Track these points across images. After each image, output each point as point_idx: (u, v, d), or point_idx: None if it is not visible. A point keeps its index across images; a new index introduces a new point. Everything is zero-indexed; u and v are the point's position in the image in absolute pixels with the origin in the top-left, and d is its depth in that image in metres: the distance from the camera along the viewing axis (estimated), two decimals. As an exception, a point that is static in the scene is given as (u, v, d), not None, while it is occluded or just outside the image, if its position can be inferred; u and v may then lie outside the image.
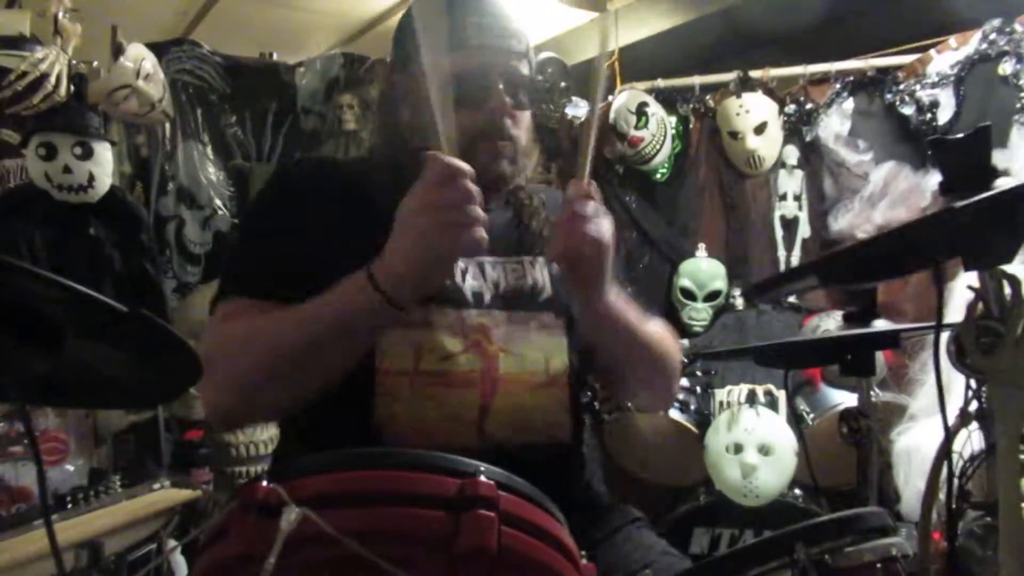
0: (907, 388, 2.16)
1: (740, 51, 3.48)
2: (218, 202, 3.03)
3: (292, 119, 3.21)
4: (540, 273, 1.22)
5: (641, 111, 3.06)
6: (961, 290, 0.99)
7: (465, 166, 0.99)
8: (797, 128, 3.06)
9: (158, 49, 2.84)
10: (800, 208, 3.08)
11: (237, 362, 1.05)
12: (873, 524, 0.89)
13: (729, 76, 3.11)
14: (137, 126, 2.85)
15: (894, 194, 2.79)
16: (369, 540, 0.62)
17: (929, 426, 1.93)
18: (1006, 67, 2.65)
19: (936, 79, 2.79)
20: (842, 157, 2.95)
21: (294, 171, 1.32)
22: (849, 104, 2.97)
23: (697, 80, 3.20)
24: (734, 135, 3.07)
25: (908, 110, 2.84)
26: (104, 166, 2.51)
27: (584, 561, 0.74)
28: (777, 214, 3.10)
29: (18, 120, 2.52)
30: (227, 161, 3.11)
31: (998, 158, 2.28)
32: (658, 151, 3.11)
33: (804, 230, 3.08)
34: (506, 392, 1.11)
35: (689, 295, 3.04)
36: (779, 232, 3.10)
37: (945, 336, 0.96)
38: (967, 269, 0.94)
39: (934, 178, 2.55)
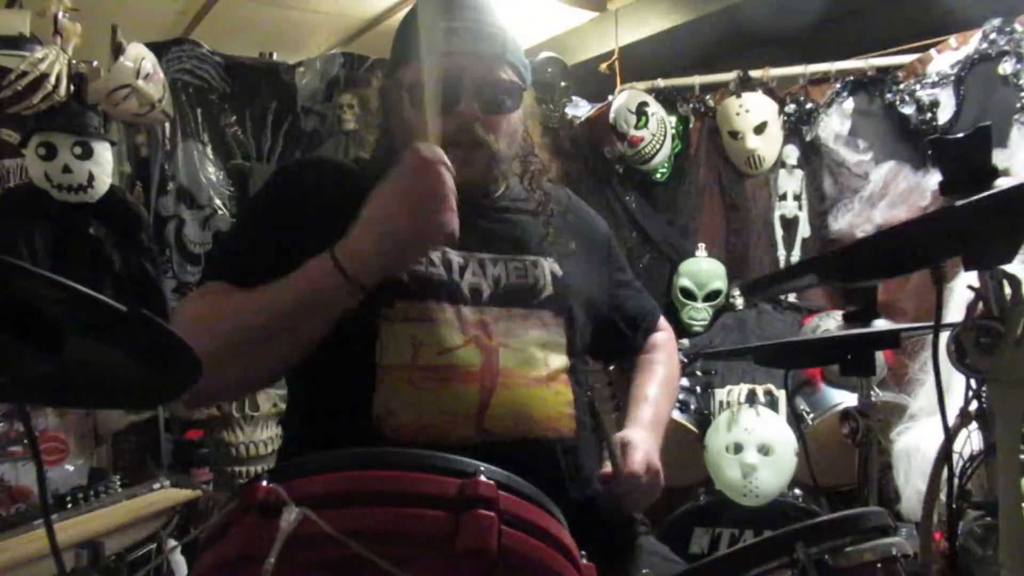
0: (907, 388, 2.16)
1: (740, 51, 3.48)
2: (218, 202, 3.03)
3: (292, 119, 3.21)
4: (541, 272, 1.22)
5: (641, 111, 3.06)
6: (961, 290, 0.99)
7: (442, 156, 1.02)
8: (797, 128, 3.06)
9: (158, 49, 2.84)
10: (800, 208, 3.08)
11: (201, 338, 1.04)
12: (873, 524, 0.89)
13: (729, 76, 3.11)
14: (137, 126, 2.85)
15: (894, 194, 2.79)
16: (369, 540, 0.62)
17: (929, 426, 1.93)
18: (1006, 67, 2.65)
19: (936, 79, 2.79)
20: (842, 157, 2.95)
21: (292, 170, 1.33)
22: (849, 104, 2.97)
23: (697, 80, 3.20)
24: (734, 135, 3.07)
25: (908, 110, 2.84)
26: (104, 166, 2.51)
27: (584, 561, 0.74)
28: (777, 214, 3.10)
29: (18, 120, 2.52)
30: (227, 161, 3.11)
31: (998, 158, 2.27)
32: (658, 151, 3.11)
33: (804, 230, 3.08)
34: (505, 387, 1.12)
35: (689, 295, 3.04)
36: (779, 232, 3.10)
37: (945, 336, 0.96)
38: (967, 269, 0.94)
39: (934, 178, 2.55)
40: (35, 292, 0.67)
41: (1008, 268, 0.93)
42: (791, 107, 3.06)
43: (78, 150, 2.45)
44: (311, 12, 3.77)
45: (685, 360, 2.70)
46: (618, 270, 1.43)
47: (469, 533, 0.64)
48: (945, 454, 0.97)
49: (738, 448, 2.38)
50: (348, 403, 1.09)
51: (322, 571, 0.64)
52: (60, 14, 2.55)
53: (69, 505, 1.84)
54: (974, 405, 0.98)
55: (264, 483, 0.66)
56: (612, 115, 3.06)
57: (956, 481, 0.98)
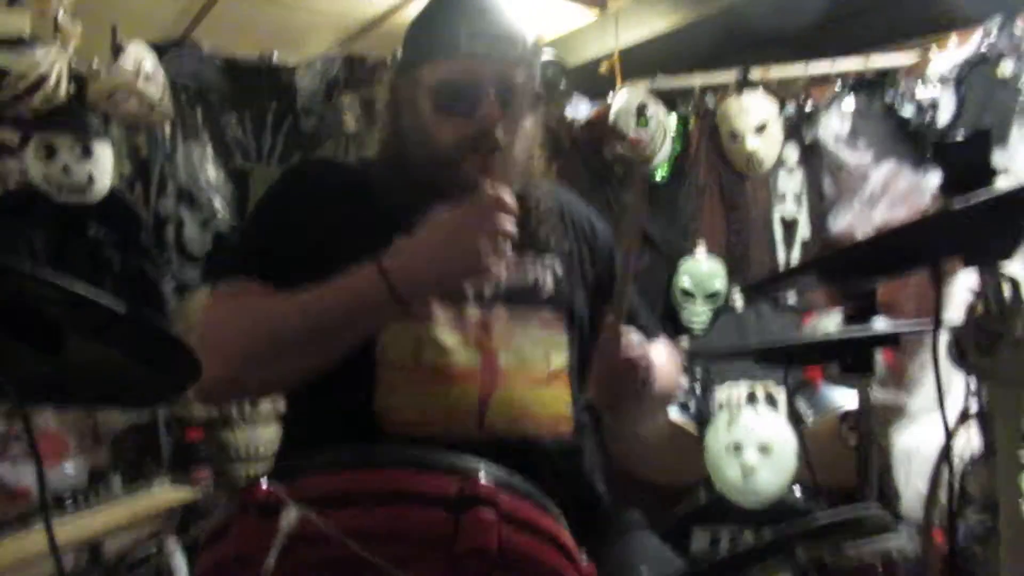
0: (907, 388, 2.16)
1: (740, 51, 3.47)
2: (218, 203, 3.03)
3: (292, 119, 3.21)
4: (542, 270, 1.22)
5: (641, 111, 3.06)
6: (961, 290, 0.99)
7: (512, 204, 1.03)
8: (797, 128, 3.06)
9: (158, 50, 2.84)
10: (800, 208, 3.08)
11: (237, 337, 1.07)
12: (873, 524, 0.89)
13: (729, 76, 3.11)
14: (137, 127, 2.85)
15: (894, 194, 2.79)
16: (369, 540, 0.62)
17: (929, 426, 1.93)
18: (1006, 67, 2.65)
19: (936, 79, 2.79)
20: (842, 157, 2.95)
21: (302, 170, 1.34)
22: (849, 104, 2.97)
23: (697, 80, 3.20)
24: (734, 135, 3.06)
25: (908, 110, 2.84)
26: (104, 167, 2.51)
27: (584, 561, 0.74)
28: (777, 214, 3.10)
29: (18, 120, 2.52)
30: (227, 162, 3.11)
31: (998, 158, 2.28)
32: (658, 151, 3.11)
33: (804, 230, 3.08)
34: (506, 387, 1.12)
35: (689, 295, 3.04)
36: (779, 232, 3.10)
37: (945, 336, 0.96)
38: (967, 268, 0.94)
39: (934, 178, 2.55)
40: (35, 292, 0.67)
41: (1008, 268, 0.93)
42: (791, 107, 3.06)
43: (78, 150, 2.45)
44: (311, 12, 3.76)
45: (683, 362, 2.71)
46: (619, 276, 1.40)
47: (469, 533, 0.64)
48: (945, 454, 0.97)
49: (738, 448, 2.38)
50: (348, 400, 1.10)
51: (322, 571, 0.64)
52: (60, 14, 2.55)
53: (69, 505, 1.84)
54: (974, 405, 0.98)
55: (264, 483, 0.66)
56: (612, 115, 3.06)
57: (956, 481, 0.98)
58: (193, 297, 2.85)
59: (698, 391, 2.69)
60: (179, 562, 1.95)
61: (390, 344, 1.10)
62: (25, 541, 1.62)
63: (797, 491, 2.45)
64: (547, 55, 3.29)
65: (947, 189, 0.99)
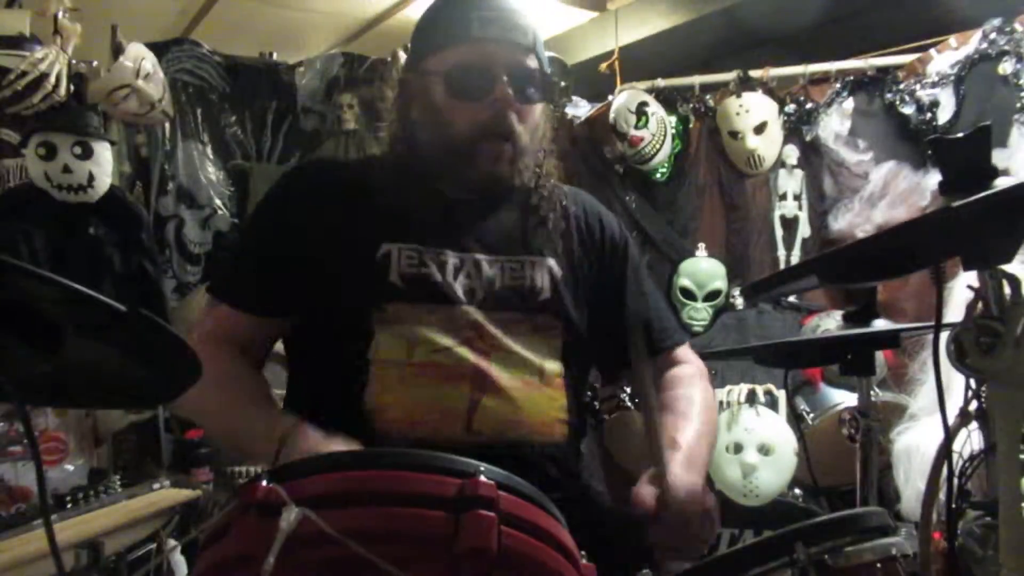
0: (907, 388, 2.16)
1: (740, 51, 3.48)
2: (218, 202, 3.03)
3: (292, 119, 3.22)
4: (540, 274, 1.21)
5: (641, 111, 3.06)
6: (961, 289, 0.99)
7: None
8: (797, 128, 3.06)
9: (158, 49, 2.84)
10: (800, 208, 3.08)
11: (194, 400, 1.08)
12: (873, 524, 0.89)
13: (729, 76, 3.11)
14: (137, 126, 2.85)
15: (894, 194, 2.79)
16: (369, 540, 0.62)
17: (929, 426, 1.93)
18: (1006, 67, 2.65)
19: (936, 79, 2.79)
20: (842, 157, 2.95)
21: (302, 172, 1.34)
22: (849, 104, 2.97)
23: (697, 80, 3.20)
24: (734, 135, 3.06)
25: (908, 110, 2.84)
26: (104, 166, 2.51)
27: (584, 561, 0.74)
28: (777, 214, 3.10)
29: (18, 120, 2.52)
30: (227, 161, 3.11)
31: (998, 158, 2.27)
32: (658, 151, 3.11)
33: (804, 230, 3.08)
34: (497, 390, 1.11)
35: (689, 295, 3.04)
36: (779, 232, 3.10)
37: (945, 336, 0.96)
38: (967, 269, 0.94)
39: (934, 178, 2.55)
40: (35, 292, 0.67)
41: (1008, 268, 0.93)
42: (791, 107, 3.06)
43: (78, 150, 2.45)
44: (311, 12, 3.77)
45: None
46: (635, 278, 1.34)
47: (469, 533, 0.64)
48: (945, 454, 0.97)
49: (738, 448, 2.38)
50: (341, 398, 1.10)
51: (322, 571, 0.64)
52: (60, 14, 2.55)
53: (69, 505, 1.84)
54: (974, 405, 0.98)
55: (264, 483, 0.66)
56: (612, 115, 3.06)
57: (956, 481, 0.98)
58: (193, 296, 2.85)
59: (698, 391, 2.68)
60: (179, 562, 1.95)
61: (384, 343, 1.10)
62: (25, 541, 1.61)
63: (797, 491, 2.45)
64: (547, 54, 3.30)
65: (946, 186, 0.98)
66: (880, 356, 2.02)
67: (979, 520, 0.98)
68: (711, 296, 3.03)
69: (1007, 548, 0.87)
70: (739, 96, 3.05)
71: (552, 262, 1.23)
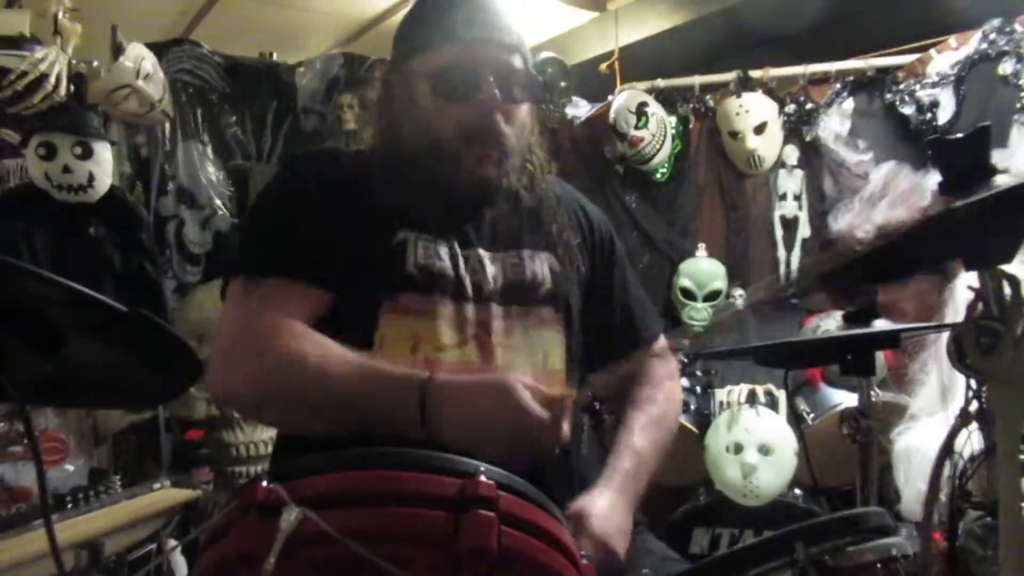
0: (907, 388, 2.16)
1: (740, 51, 3.47)
2: (218, 202, 3.03)
3: (292, 119, 3.22)
4: (540, 267, 1.21)
5: (641, 111, 3.06)
6: (962, 290, 0.99)
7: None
8: (797, 128, 3.06)
9: (158, 49, 2.84)
10: (800, 208, 3.08)
11: (272, 381, 1.03)
12: (873, 524, 0.89)
13: (729, 76, 3.11)
14: (137, 126, 2.85)
15: (894, 194, 2.79)
16: (369, 540, 0.62)
17: (929, 426, 1.93)
18: (1006, 67, 2.65)
19: (936, 79, 2.79)
20: (842, 157, 2.95)
21: (310, 159, 1.31)
22: (849, 104, 2.97)
23: (697, 80, 3.20)
24: (734, 135, 3.06)
25: (908, 110, 2.84)
26: (104, 166, 2.51)
27: (584, 561, 0.74)
28: (777, 214, 3.10)
29: (18, 120, 2.52)
30: (227, 161, 3.11)
31: (998, 158, 2.27)
32: (658, 151, 3.11)
33: (804, 230, 3.08)
34: None
35: (689, 295, 3.04)
36: (779, 232, 3.10)
37: (945, 336, 0.96)
38: (968, 269, 0.94)
39: (934, 178, 2.54)
40: (35, 292, 0.67)
41: (1008, 268, 0.93)
42: (791, 107, 3.06)
43: (78, 150, 2.45)
44: (311, 12, 3.77)
45: (685, 360, 2.70)
46: (621, 273, 1.36)
47: (469, 533, 0.64)
48: (945, 454, 0.97)
49: (738, 448, 2.38)
50: None
51: (322, 571, 0.64)
52: (60, 14, 2.55)
53: (69, 505, 1.84)
54: (974, 405, 0.98)
55: (264, 483, 0.66)
56: (612, 115, 3.06)
57: (956, 481, 0.98)
58: (193, 296, 2.86)
59: (698, 391, 2.69)
60: (179, 562, 1.95)
61: (387, 339, 1.09)
62: (25, 541, 1.62)
63: (797, 491, 2.46)
64: (547, 55, 3.30)
65: (946, 187, 0.98)
66: (880, 356, 2.02)
67: (979, 520, 0.98)
68: (711, 296, 3.03)
69: (1007, 548, 0.87)
70: (739, 96, 3.05)
71: (549, 256, 1.23)
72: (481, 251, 1.18)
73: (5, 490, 2.17)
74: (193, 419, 2.66)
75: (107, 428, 2.50)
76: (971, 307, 0.94)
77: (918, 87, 2.83)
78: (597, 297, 1.30)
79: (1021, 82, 2.62)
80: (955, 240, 0.93)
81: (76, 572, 1.26)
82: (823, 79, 3.05)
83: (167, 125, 2.91)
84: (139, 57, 2.62)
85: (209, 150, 3.06)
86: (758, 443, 2.37)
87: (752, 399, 2.48)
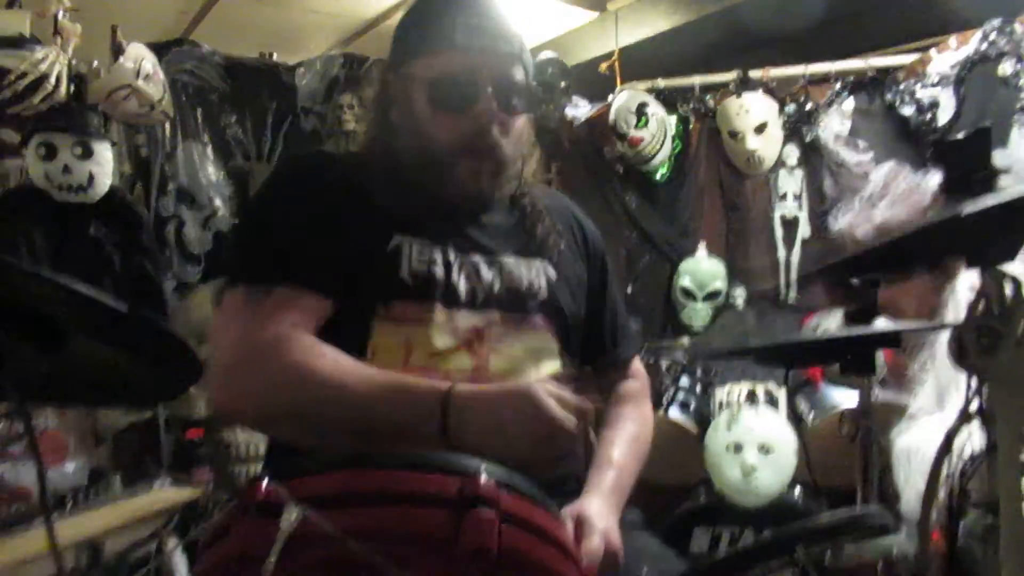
0: (907, 388, 2.16)
1: (740, 51, 3.47)
2: (218, 202, 3.03)
3: (292, 119, 3.22)
4: (535, 274, 1.21)
5: (641, 111, 3.06)
6: (963, 289, 0.99)
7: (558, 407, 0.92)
8: (797, 128, 3.06)
9: (158, 49, 2.84)
10: (800, 208, 3.09)
11: (288, 397, 1.01)
12: (873, 524, 0.89)
13: (729, 76, 3.11)
14: (137, 126, 2.85)
15: (894, 194, 2.79)
16: (369, 540, 0.62)
17: (929, 426, 1.93)
18: (1006, 67, 2.65)
19: (936, 79, 2.79)
20: (842, 157, 2.95)
21: (305, 161, 1.30)
22: (849, 104, 2.97)
23: (697, 80, 3.20)
24: (734, 135, 3.07)
25: (908, 110, 2.84)
26: (104, 166, 2.51)
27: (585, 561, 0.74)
28: (777, 214, 3.10)
29: (18, 120, 2.52)
30: (227, 161, 3.11)
31: (998, 158, 2.27)
32: (658, 151, 3.11)
33: (804, 230, 3.08)
34: None
35: (689, 295, 3.04)
36: (779, 232, 3.10)
37: (945, 336, 0.96)
38: (968, 268, 0.94)
39: (934, 178, 2.55)
40: (36, 291, 0.67)
41: (1008, 268, 0.93)
42: (791, 107, 3.06)
43: (78, 150, 2.45)
44: (311, 12, 3.77)
45: (683, 362, 2.71)
46: (611, 290, 1.36)
47: (470, 533, 0.64)
48: (945, 454, 0.97)
49: (738, 448, 2.38)
50: None
51: (322, 571, 0.64)
52: (60, 14, 2.55)
53: (69, 505, 1.84)
54: (974, 405, 0.98)
55: (264, 483, 0.66)
56: (612, 115, 3.06)
57: (956, 481, 0.98)
58: (193, 296, 2.86)
59: (698, 391, 2.68)
60: (179, 562, 1.95)
61: (380, 346, 1.08)
62: (25, 541, 1.62)
63: (797, 491, 2.45)
64: (547, 55, 3.30)
65: (948, 187, 0.98)
66: (880, 356, 2.02)
67: (979, 520, 0.98)
68: (711, 296, 3.03)
69: (1007, 548, 0.87)
70: (739, 96, 3.05)
71: (544, 263, 1.23)
72: (476, 257, 1.17)
73: (5, 490, 2.17)
74: (193, 419, 2.66)
75: (107, 428, 2.50)
76: (971, 307, 0.94)
77: (918, 87, 2.83)
78: (589, 308, 1.30)
79: (1021, 82, 2.62)
80: (956, 239, 0.93)
81: (76, 572, 1.26)
82: (823, 79, 3.05)
83: (167, 125, 2.91)
84: (139, 57, 2.62)
85: (209, 150, 3.06)
86: (758, 443, 2.37)
87: (752, 398, 2.48)
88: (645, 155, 3.10)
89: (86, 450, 2.40)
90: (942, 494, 0.99)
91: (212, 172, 3.05)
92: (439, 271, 1.12)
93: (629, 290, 3.18)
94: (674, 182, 3.24)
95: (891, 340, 1.43)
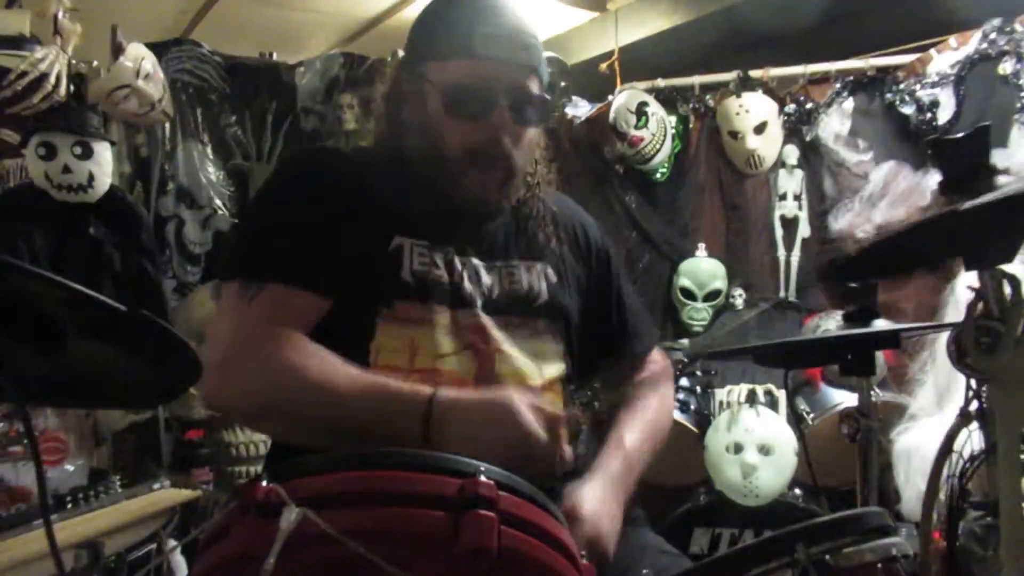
0: (907, 388, 2.16)
1: (740, 51, 3.48)
2: (218, 202, 3.03)
3: (292, 119, 3.21)
4: (536, 278, 1.21)
5: (641, 111, 3.06)
6: (963, 289, 0.99)
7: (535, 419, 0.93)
8: (797, 128, 3.06)
9: (158, 49, 2.84)
10: (800, 208, 3.09)
11: (274, 394, 1.02)
12: (873, 524, 0.89)
13: (729, 76, 3.11)
14: (137, 126, 2.85)
15: (894, 194, 2.79)
16: (369, 540, 0.62)
17: (929, 426, 1.93)
18: (1006, 67, 2.65)
19: (936, 79, 2.79)
20: (842, 157, 2.95)
21: (307, 157, 1.30)
22: (849, 104, 2.97)
23: (697, 80, 3.21)
24: (734, 135, 3.07)
25: (908, 110, 2.84)
26: (104, 166, 2.51)
27: (584, 561, 0.74)
28: (777, 214, 3.10)
29: (18, 120, 2.52)
30: (227, 161, 3.11)
31: (998, 157, 2.28)
32: (658, 151, 3.11)
33: (804, 230, 3.08)
34: None
35: (689, 295, 3.04)
36: (779, 232, 3.10)
37: (945, 336, 0.96)
38: (968, 269, 0.94)
39: (934, 178, 2.55)
40: (35, 292, 0.67)
41: (1008, 268, 0.93)
42: (791, 107, 3.06)
43: (78, 150, 2.45)
44: (311, 12, 3.77)
45: (684, 360, 2.70)
46: (617, 285, 1.36)
47: (469, 533, 0.64)
48: (945, 454, 0.97)
49: (738, 448, 2.38)
50: None
51: (322, 571, 0.64)
52: (60, 14, 2.55)
53: (69, 505, 1.84)
54: (974, 405, 0.98)
55: (264, 483, 0.66)
56: (612, 115, 3.06)
57: (956, 481, 0.98)
58: (193, 296, 2.86)
59: (698, 391, 2.68)
60: (179, 562, 1.95)
61: (385, 347, 1.08)
62: (25, 541, 1.62)
63: (797, 491, 2.45)
64: (547, 54, 3.29)
65: (947, 186, 0.99)
66: (880, 356, 2.02)
67: (979, 520, 0.98)
68: (711, 296, 3.03)
69: (1007, 548, 0.87)
70: (739, 96, 3.05)
71: (546, 267, 1.22)
72: (477, 260, 1.17)
73: (5, 490, 2.16)
74: (193, 419, 2.66)
75: (107, 428, 2.50)
76: (971, 307, 0.94)
77: (918, 87, 2.83)
78: (595, 309, 1.29)
79: (1021, 82, 2.62)
80: (955, 239, 0.93)
81: (76, 572, 1.26)
82: (823, 79, 3.05)
83: (167, 125, 2.91)
84: (139, 57, 2.62)
85: (209, 150, 3.06)
86: (758, 443, 2.37)
87: (752, 399, 2.47)
88: (645, 155, 3.10)
89: (86, 450, 2.40)
90: (942, 494, 0.99)
91: (212, 172, 3.05)
92: (441, 273, 1.12)
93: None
94: (674, 182, 3.24)
95: (891, 340, 1.43)
